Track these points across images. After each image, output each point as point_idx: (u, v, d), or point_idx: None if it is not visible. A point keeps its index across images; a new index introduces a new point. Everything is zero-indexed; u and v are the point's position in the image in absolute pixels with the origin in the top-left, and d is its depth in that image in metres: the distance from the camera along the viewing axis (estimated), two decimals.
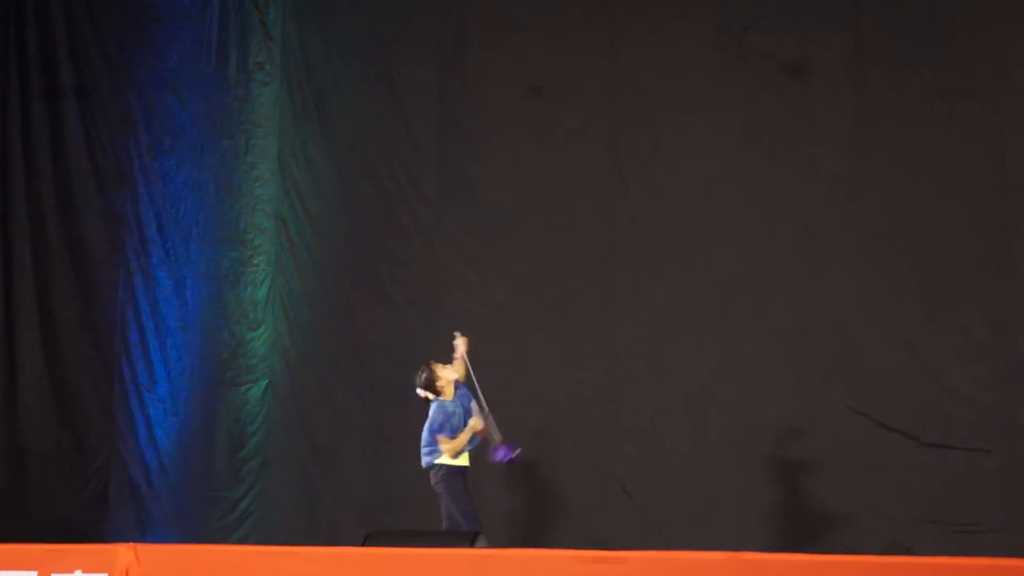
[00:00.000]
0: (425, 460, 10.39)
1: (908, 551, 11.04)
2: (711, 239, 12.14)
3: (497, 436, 10.34)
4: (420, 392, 10.49)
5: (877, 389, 11.61)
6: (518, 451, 10.40)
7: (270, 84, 13.29)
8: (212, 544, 11.45)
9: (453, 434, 10.35)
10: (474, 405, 10.44)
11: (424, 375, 10.47)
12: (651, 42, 12.43)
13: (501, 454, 10.33)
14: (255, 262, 13.12)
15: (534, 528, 12.13)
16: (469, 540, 9.58)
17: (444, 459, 10.34)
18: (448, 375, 10.50)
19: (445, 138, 12.87)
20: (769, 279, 11.96)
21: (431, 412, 10.41)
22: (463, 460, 10.39)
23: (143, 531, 12.78)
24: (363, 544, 10.41)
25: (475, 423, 10.37)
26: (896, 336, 11.63)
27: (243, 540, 12.54)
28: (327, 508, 12.68)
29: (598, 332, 12.33)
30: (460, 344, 10.61)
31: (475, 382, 10.43)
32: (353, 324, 12.85)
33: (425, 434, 10.38)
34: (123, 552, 8.50)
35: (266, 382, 12.98)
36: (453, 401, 10.44)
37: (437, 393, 10.44)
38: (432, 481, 10.38)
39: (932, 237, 11.67)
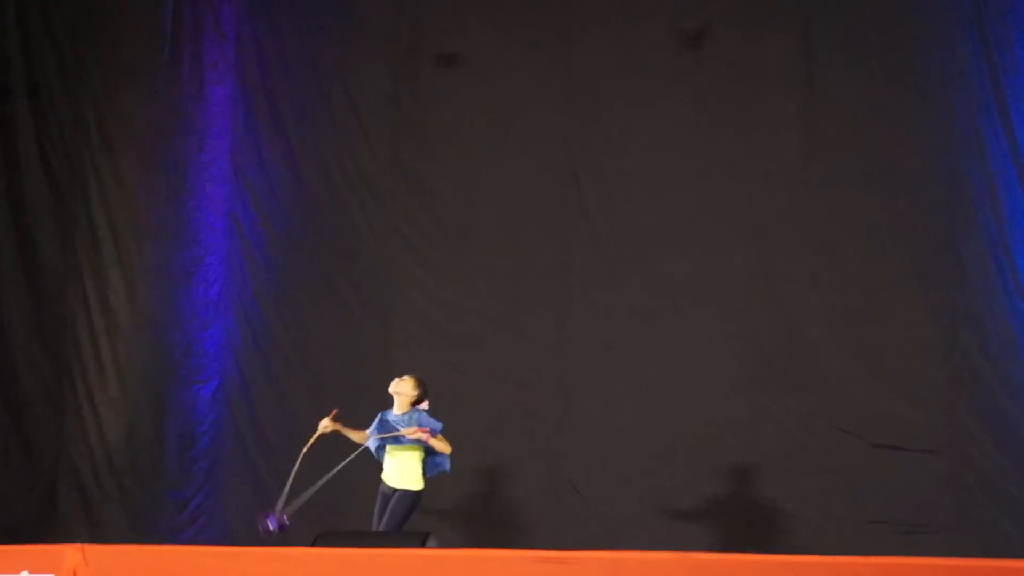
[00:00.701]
0: None
1: (857, 551, 11.10)
2: (664, 240, 12.19)
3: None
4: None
5: (827, 391, 11.68)
6: (282, 521, 10.24)
7: (223, 83, 13.24)
8: (162, 544, 11.39)
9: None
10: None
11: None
12: (605, 44, 12.46)
13: (270, 523, 10.18)
14: (207, 261, 13.06)
15: (485, 528, 12.12)
16: (419, 540, 9.59)
17: None
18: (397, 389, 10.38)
19: (399, 138, 12.87)
20: (721, 280, 12.01)
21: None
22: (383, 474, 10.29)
23: (92, 531, 12.68)
24: (313, 544, 10.40)
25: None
26: (846, 338, 11.71)
27: (193, 540, 12.49)
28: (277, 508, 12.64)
29: (550, 332, 12.35)
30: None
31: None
32: (305, 324, 12.82)
33: None
34: (71, 553, 8.46)
35: (217, 382, 12.94)
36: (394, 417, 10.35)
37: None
38: None
39: (882, 240, 11.76)
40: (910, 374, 11.55)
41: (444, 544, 10.54)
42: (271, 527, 10.11)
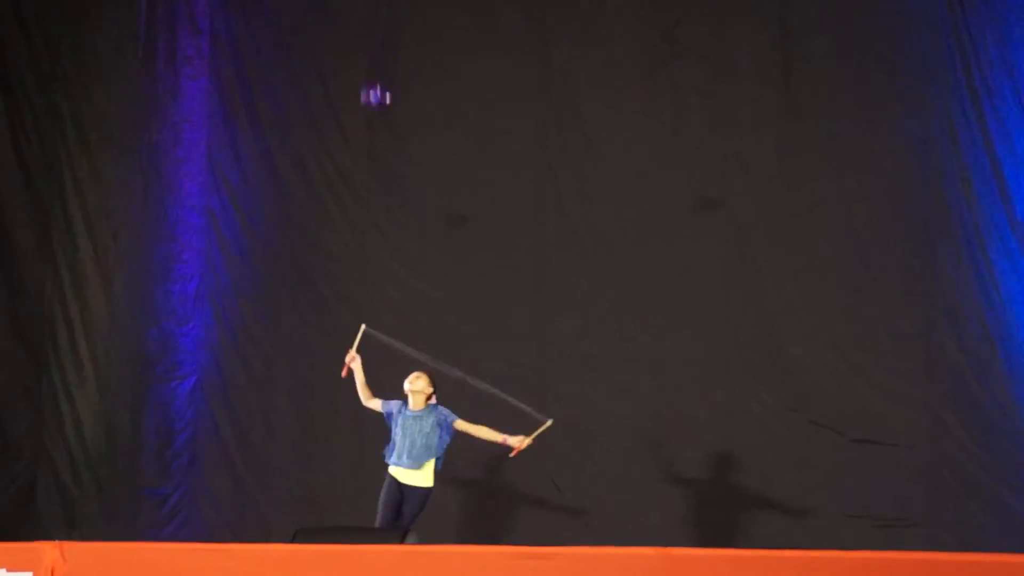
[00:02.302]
0: None
1: (835, 545, 11.16)
2: (640, 235, 12.21)
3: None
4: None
5: (804, 385, 11.73)
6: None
7: (199, 77, 13.20)
8: (140, 542, 11.35)
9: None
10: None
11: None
12: (581, 39, 12.47)
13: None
14: (184, 257, 13.04)
15: (464, 524, 12.13)
16: (399, 536, 9.59)
17: None
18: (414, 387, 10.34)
19: (376, 133, 12.85)
20: (697, 275, 12.05)
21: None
22: (392, 466, 10.24)
23: (70, 529, 12.66)
24: (292, 540, 10.37)
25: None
26: (823, 332, 11.76)
27: (172, 537, 12.46)
28: (256, 504, 12.63)
29: (528, 327, 12.37)
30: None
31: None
32: (283, 319, 12.80)
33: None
34: (48, 550, 8.42)
35: (195, 378, 12.91)
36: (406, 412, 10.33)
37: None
38: None
39: (858, 234, 11.81)
40: (886, 368, 11.60)
41: (424, 540, 10.55)
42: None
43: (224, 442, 12.78)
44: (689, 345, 11.98)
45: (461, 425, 10.24)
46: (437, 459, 10.25)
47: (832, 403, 11.64)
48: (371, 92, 10.00)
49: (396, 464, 10.22)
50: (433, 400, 10.34)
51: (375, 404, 10.42)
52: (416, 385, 10.29)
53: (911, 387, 11.53)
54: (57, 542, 8.56)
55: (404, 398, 10.35)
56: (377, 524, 10.24)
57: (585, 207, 12.38)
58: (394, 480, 10.23)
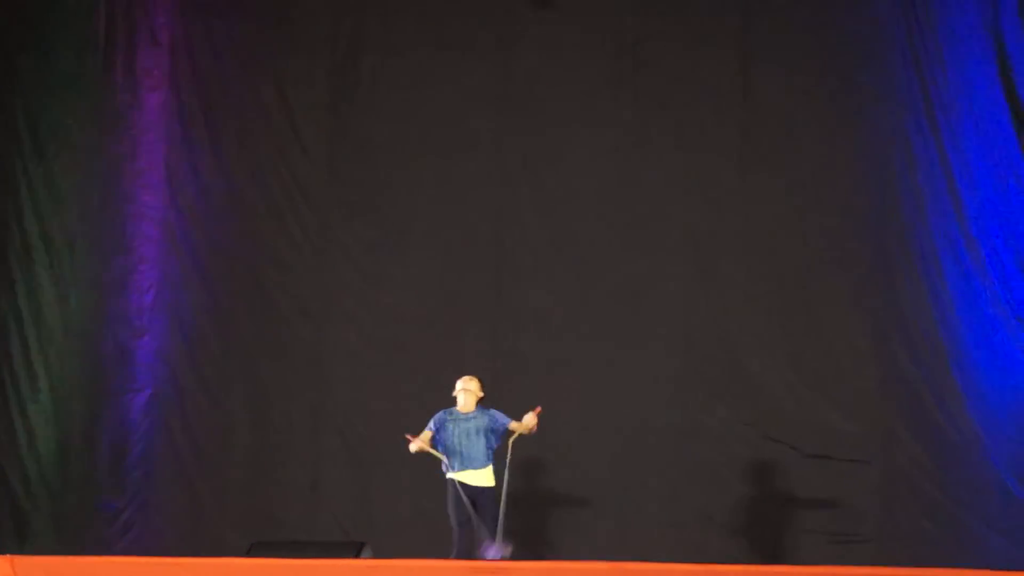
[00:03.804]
0: None
1: (788, 561, 11.21)
2: (600, 247, 12.25)
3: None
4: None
5: (760, 400, 11.77)
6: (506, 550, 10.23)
7: (158, 90, 13.15)
8: (93, 556, 11.29)
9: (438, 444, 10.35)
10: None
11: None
12: (543, 51, 12.51)
13: (491, 552, 10.10)
14: (140, 269, 12.98)
15: (423, 538, 12.10)
16: (355, 551, 9.58)
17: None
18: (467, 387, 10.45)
19: (335, 145, 12.84)
20: (656, 289, 12.08)
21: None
22: (453, 473, 10.27)
23: (22, 542, 12.56)
24: (247, 555, 10.37)
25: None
26: (779, 348, 11.81)
27: (126, 552, 12.36)
28: (211, 518, 12.56)
29: (487, 339, 12.38)
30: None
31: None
32: (240, 332, 12.76)
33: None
34: (0, 564, 8.39)
35: (150, 391, 12.83)
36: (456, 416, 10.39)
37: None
38: None
39: (816, 249, 11.88)
40: (842, 384, 11.67)
41: (380, 555, 10.53)
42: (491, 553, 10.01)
43: (179, 455, 12.71)
44: (647, 359, 12.00)
45: (515, 426, 10.40)
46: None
47: (787, 418, 11.69)
48: (490, 549, 10.01)
49: (463, 469, 10.24)
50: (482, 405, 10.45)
51: (428, 441, 10.39)
52: (470, 385, 10.46)
53: (866, 403, 11.60)
54: (9, 556, 8.54)
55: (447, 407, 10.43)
56: (455, 528, 10.16)
57: (545, 220, 12.40)
58: (462, 487, 10.19)
